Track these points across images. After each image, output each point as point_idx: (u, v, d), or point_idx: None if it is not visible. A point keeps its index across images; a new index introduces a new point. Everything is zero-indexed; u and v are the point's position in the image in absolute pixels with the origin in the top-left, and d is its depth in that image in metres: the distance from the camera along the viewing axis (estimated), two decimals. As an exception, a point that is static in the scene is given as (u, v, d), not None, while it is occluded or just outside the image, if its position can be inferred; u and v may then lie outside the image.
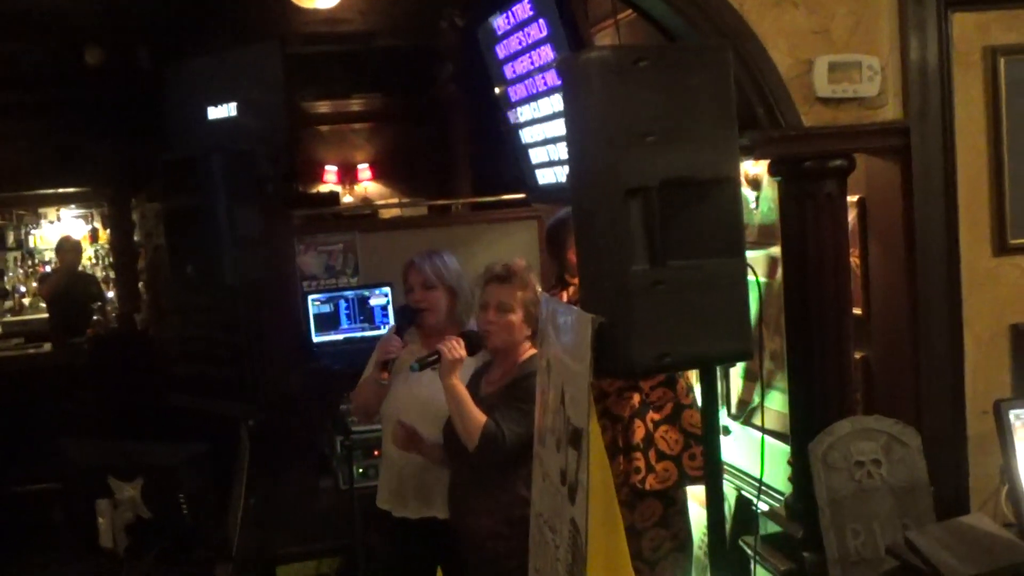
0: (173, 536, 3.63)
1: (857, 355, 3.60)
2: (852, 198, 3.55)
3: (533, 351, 3.82)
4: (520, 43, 5.03)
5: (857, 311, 3.58)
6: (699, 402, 4.17)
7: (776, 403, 3.96)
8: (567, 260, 4.34)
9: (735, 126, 2.71)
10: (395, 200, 12.02)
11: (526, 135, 5.46)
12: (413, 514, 4.15)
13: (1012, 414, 3.11)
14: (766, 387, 4.08)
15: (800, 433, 3.41)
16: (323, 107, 12.12)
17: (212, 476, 3.80)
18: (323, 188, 11.76)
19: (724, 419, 4.44)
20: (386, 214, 10.36)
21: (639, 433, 4.05)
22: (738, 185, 2.74)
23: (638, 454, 4.02)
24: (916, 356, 3.43)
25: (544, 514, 3.03)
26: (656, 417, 4.08)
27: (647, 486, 4.00)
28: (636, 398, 4.08)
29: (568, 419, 2.74)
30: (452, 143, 11.89)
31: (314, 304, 6.45)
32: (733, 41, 3.18)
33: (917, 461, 3.29)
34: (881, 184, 3.53)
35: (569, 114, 2.85)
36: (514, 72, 5.25)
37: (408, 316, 4.28)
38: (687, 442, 4.09)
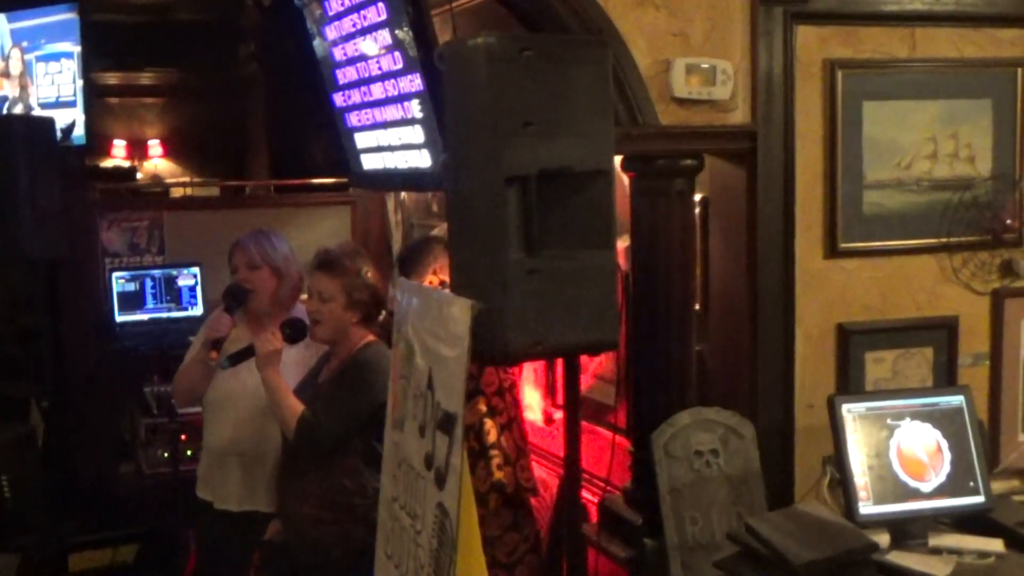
0: (-8, 520, 3.43)
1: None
2: (696, 196, 3.66)
3: (370, 338, 3.78)
4: (354, 25, 4.93)
5: (696, 306, 3.70)
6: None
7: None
8: None
9: (612, 120, 2.75)
10: (187, 179, 11.68)
11: (353, 119, 5.36)
12: (235, 507, 4.06)
13: (844, 408, 3.27)
14: (600, 378, 4.16)
15: (642, 423, 3.51)
16: (112, 78, 11.66)
17: (38, 458, 3.60)
18: (111, 163, 11.32)
19: (551, 408, 4.52)
20: (176, 192, 10.05)
21: (492, 434, 4.06)
22: (612, 178, 2.78)
23: (495, 451, 4.04)
24: (753, 351, 3.57)
25: (400, 499, 3.00)
26: (500, 422, 4.11)
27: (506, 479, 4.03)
28: (482, 403, 4.09)
29: (438, 404, 2.72)
30: (249, 123, 11.65)
31: (118, 282, 6.17)
32: (597, 37, 3.24)
33: (751, 452, 3.45)
34: (725, 184, 3.67)
35: (451, 100, 2.82)
36: (345, 55, 5.15)
37: (238, 296, 4.16)
38: (519, 453, 4.13)
